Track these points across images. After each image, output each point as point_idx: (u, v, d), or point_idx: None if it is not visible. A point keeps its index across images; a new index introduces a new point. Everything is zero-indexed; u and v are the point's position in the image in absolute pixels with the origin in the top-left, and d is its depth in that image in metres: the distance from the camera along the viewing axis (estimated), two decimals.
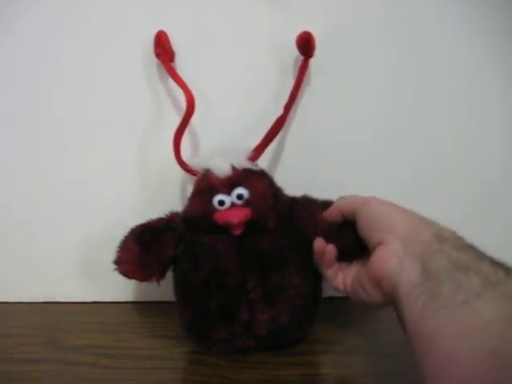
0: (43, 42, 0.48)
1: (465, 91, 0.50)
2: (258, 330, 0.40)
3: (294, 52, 0.46)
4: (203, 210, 0.41)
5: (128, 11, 0.48)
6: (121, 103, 0.49)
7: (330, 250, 0.39)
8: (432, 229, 0.32)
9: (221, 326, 0.40)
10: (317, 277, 0.43)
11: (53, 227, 0.53)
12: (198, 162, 0.45)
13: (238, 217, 0.40)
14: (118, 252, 0.42)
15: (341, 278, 0.40)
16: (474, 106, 0.50)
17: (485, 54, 0.49)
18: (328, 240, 0.40)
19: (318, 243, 0.40)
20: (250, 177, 0.42)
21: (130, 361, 0.42)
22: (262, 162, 0.47)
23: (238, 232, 0.40)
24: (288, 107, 0.45)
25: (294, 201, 0.44)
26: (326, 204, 0.42)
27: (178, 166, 0.46)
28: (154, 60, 0.48)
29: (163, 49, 0.46)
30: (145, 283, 0.43)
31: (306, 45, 0.45)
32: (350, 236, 0.38)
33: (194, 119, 0.45)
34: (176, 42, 0.47)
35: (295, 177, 0.48)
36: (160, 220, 0.44)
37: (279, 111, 0.45)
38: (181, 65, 0.48)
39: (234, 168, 0.42)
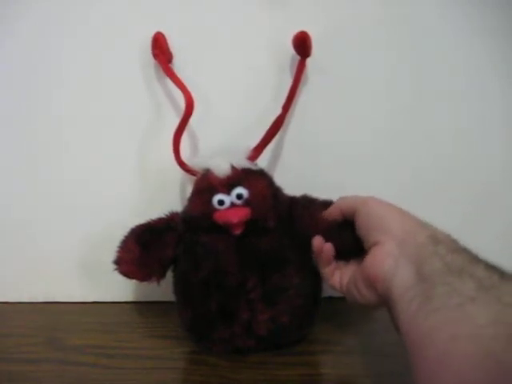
0: (43, 42, 0.48)
1: (465, 91, 0.50)
2: (258, 330, 0.40)
3: (293, 52, 0.46)
4: (203, 209, 0.41)
5: (127, 12, 0.48)
6: (120, 104, 0.50)
7: (328, 248, 0.39)
8: (427, 231, 0.32)
9: (221, 326, 0.40)
10: (317, 277, 0.43)
11: (53, 227, 0.53)
12: (197, 162, 0.45)
13: (238, 216, 0.40)
14: (118, 252, 0.42)
15: (338, 276, 0.40)
16: (474, 106, 0.50)
17: (485, 53, 0.49)
18: (327, 239, 0.40)
19: (317, 241, 0.40)
20: (250, 176, 0.42)
21: (130, 361, 0.42)
22: (261, 162, 0.47)
23: (237, 232, 0.40)
24: (286, 107, 0.46)
25: (293, 200, 0.44)
26: (326, 204, 0.42)
27: (177, 166, 0.46)
28: (153, 60, 0.48)
29: (161, 50, 0.46)
30: (145, 283, 0.43)
31: (302, 45, 0.45)
32: (349, 235, 0.38)
33: (192, 119, 0.45)
34: (175, 43, 0.47)
35: (294, 176, 0.48)
36: (160, 220, 0.44)
37: (278, 111, 0.45)
38: (179, 65, 0.48)
39: (233, 168, 0.42)
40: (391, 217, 0.35)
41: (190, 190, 0.45)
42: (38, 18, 0.48)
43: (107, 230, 0.48)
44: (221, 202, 0.41)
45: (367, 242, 0.36)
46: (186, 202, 0.44)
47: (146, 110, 0.50)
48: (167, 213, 0.44)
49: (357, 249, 0.37)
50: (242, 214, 0.40)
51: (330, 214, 0.41)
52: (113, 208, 0.52)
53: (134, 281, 0.43)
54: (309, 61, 0.46)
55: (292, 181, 0.45)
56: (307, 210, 0.42)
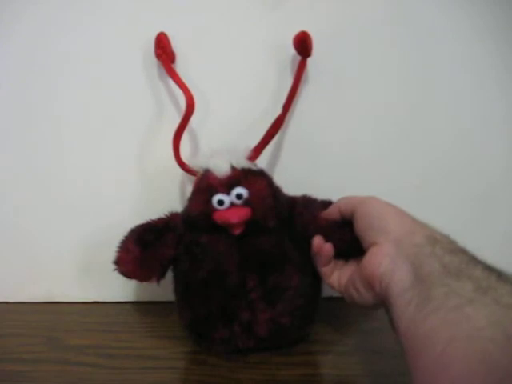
0: (44, 42, 0.48)
1: (465, 91, 0.50)
2: (258, 330, 0.40)
3: (293, 52, 0.46)
4: (203, 209, 0.41)
5: (130, 12, 0.48)
6: (121, 104, 0.50)
7: (328, 248, 0.39)
8: (425, 231, 0.32)
9: (221, 326, 0.40)
10: (316, 277, 0.42)
11: (53, 227, 0.53)
12: (197, 162, 0.45)
13: (238, 216, 0.40)
14: (118, 252, 0.42)
15: (337, 276, 0.40)
16: (475, 106, 0.50)
17: (485, 53, 0.49)
18: (326, 238, 0.40)
19: (317, 240, 0.40)
20: (250, 176, 0.42)
21: (130, 361, 0.42)
22: (261, 162, 0.47)
23: (237, 232, 0.40)
24: (286, 107, 0.46)
25: (293, 200, 0.44)
26: (326, 204, 0.42)
27: (177, 166, 0.46)
28: (155, 61, 0.48)
29: (164, 50, 0.46)
30: (145, 283, 0.43)
31: (302, 44, 0.45)
32: (348, 235, 0.38)
33: (193, 119, 0.45)
34: (177, 43, 0.47)
35: (294, 176, 0.48)
36: (160, 220, 0.44)
37: (278, 111, 0.45)
38: (181, 66, 0.48)
39: (233, 168, 0.42)
40: (389, 217, 0.35)
41: (189, 189, 0.45)
42: (39, 17, 0.48)
43: (107, 230, 0.48)
44: (220, 202, 0.41)
45: (365, 242, 0.36)
46: (185, 202, 0.44)
47: (146, 110, 0.50)
48: (167, 213, 0.44)
49: (355, 248, 0.37)
50: (242, 214, 0.40)
51: (329, 213, 0.41)
52: (113, 208, 0.52)
53: (133, 281, 0.43)
54: (309, 61, 0.46)
55: (292, 181, 0.45)
56: (307, 209, 0.42)
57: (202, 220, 0.41)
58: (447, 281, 0.27)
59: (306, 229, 0.41)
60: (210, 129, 0.50)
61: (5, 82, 0.49)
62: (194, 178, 0.45)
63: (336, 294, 0.40)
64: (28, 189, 0.52)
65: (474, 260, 0.29)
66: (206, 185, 0.42)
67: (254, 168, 0.43)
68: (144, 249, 0.42)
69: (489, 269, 0.28)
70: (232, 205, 0.41)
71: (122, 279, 0.42)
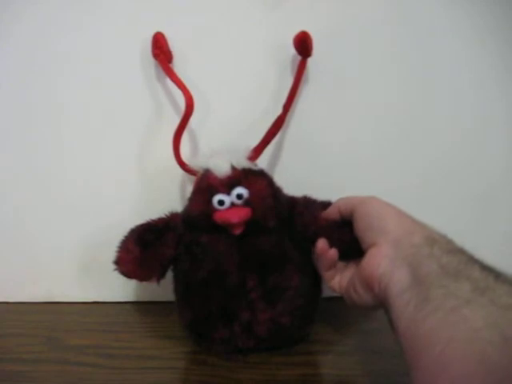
0: (42, 43, 0.48)
1: (465, 91, 0.50)
2: (258, 330, 0.40)
3: (293, 52, 0.46)
4: (203, 209, 0.41)
5: (127, 12, 0.48)
6: (120, 104, 0.49)
7: (333, 253, 0.39)
8: (424, 232, 0.32)
9: (221, 326, 0.40)
10: (316, 277, 0.43)
11: (53, 227, 0.53)
12: (197, 162, 0.45)
13: (238, 216, 0.40)
14: (118, 252, 0.42)
15: (338, 279, 0.40)
16: (475, 106, 0.50)
17: (485, 54, 0.49)
18: (326, 238, 0.40)
19: (321, 243, 0.40)
20: (250, 176, 0.42)
21: (130, 361, 0.42)
22: (261, 162, 0.47)
23: (237, 232, 0.40)
24: (287, 107, 0.45)
25: (293, 200, 0.44)
26: (325, 204, 0.42)
27: (177, 166, 0.46)
28: (154, 60, 0.48)
29: (161, 50, 0.46)
30: (145, 283, 0.43)
31: (303, 44, 0.45)
32: (348, 236, 0.38)
33: (192, 119, 0.45)
34: (175, 43, 0.47)
35: (294, 177, 0.48)
36: (160, 220, 0.44)
37: (278, 111, 0.45)
38: (179, 65, 0.48)
39: (233, 168, 0.42)
40: (388, 217, 0.35)
41: (190, 189, 0.45)
42: (39, 17, 0.48)
43: (107, 230, 0.48)
44: (221, 202, 0.41)
45: (364, 243, 0.36)
46: (186, 202, 0.44)
47: (146, 110, 0.50)
48: (167, 213, 0.44)
49: (355, 249, 0.37)
50: (242, 214, 0.40)
51: (329, 214, 0.41)
52: (113, 208, 0.52)
53: (134, 281, 0.43)
54: (309, 61, 0.46)
55: (292, 181, 0.45)
56: (307, 209, 0.42)
57: (202, 220, 0.41)
58: (445, 282, 0.28)
59: (306, 229, 0.41)
60: (209, 129, 0.50)
61: (5, 82, 0.49)
62: (194, 178, 0.45)
63: (336, 294, 0.40)
64: (28, 189, 0.52)
65: (472, 260, 0.29)
66: (206, 185, 0.42)
67: (254, 168, 0.43)
68: (144, 249, 0.42)
69: (487, 269, 0.28)
70: (232, 205, 0.41)
71: (121, 279, 0.42)
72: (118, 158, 0.51)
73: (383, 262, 0.32)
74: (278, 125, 0.45)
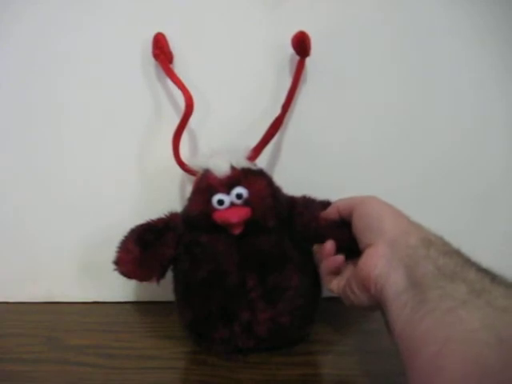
0: (43, 42, 0.48)
1: (465, 91, 0.50)
2: (258, 330, 0.40)
3: (292, 52, 0.46)
4: (202, 209, 0.41)
5: (129, 12, 0.48)
6: (120, 104, 0.50)
7: (339, 259, 0.39)
8: (420, 233, 0.32)
9: (221, 326, 0.40)
10: (316, 277, 0.43)
11: (53, 227, 0.53)
12: (197, 162, 0.45)
13: (238, 216, 0.40)
14: (118, 252, 0.42)
15: (336, 280, 0.40)
16: (475, 106, 0.50)
17: (485, 54, 0.49)
18: (326, 238, 0.40)
19: (329, 246, 0.39)
20: (250, 176, 0.42)
21: (130, 361, 0.42)
22: (261, 162, 0.47)
23: (237, 232, 0.40)
24: (286, 107, 0.45)
25: (293, 200, 0.44)
26: (325, 204, 0.42)
27: (177, 166, 0.46)
28: (154, 61, 0.48)
29: (162, 50, 0.46)
30: (145, 283, 0.43)
31: (301, 44, 0.45)
32: (346, 236, 0.38)
33: (192, 120, 0.45)
34: (175, 43, 0.47)
35: (293, 177, 0.48)
36: (160, 220, 0.44)
37: (277, 111, 0.45)
38: (179, 66, 0.48)
39: (233, 167, 0.42)
40: (385, 218, 0.35)
41: (189, 190, 0.45)
42: (39, 17, 0.48)
43: (107, 230, 0.48)
44: (220, 202, 0.41)
45: (362, 243, 0.36)
46: (185, 202, 0.44)
47: (146, 111, 0.50)
48: (167, 213, 0.44)
49: (354, 249, 0.37)
50: (242, 213, 0.40)
51: (328, 214, 0.41)
52: (113, 208, 0.52)
53: (134, 281, 0.43)
54: (308, 61, 0.46)
55: (291, 181, 0.45)
56: (307, 209, 0.42)
57: (202, 220, 0.41)
58: (441, 283, 0.28)
59: (305, 229, 0.41)
60: (209, 129, 0.50)
61: (5, 82, 0.49)
62: (193, 178, 0.45)
63: (336, 295, 0.40)
64: (28, 189, 0.52)
65: (468, 262, 0.29)
66: (205, 185, 0.42)
67: (253, 168, 0.43)
68: (144, 249, 0.42)
69: (483, 271, 0.28)
70: (232, 205, 0.41)
71: (122, 279, 0.42)
72: (118, 158, 0.51)
73: (380, 262, 0.32)
74: (276, 125, 0.45)
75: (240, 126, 0.49)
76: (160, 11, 0.47)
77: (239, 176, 0.42)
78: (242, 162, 0.43)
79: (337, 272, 0.40)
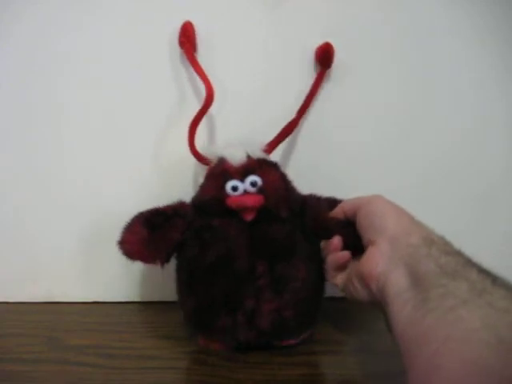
0: (44, 42, 0.48)
1: (466, 92, 0.50)
2: (260, 322, 0.39)
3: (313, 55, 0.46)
4: (215, 194, 0.41)
5: (129, 12, 0.48)
6: (120, 104, 0.49)
7: (345, 255, 0.39)
8: (422, 232, 0.32)
9: (223, 315, 0.40)
10: (322, 274, 0.42)
11: (53, 227, 0.53)
12: (212, 150, 0.45)
13: (253, 200, 0.40)
14: (124, 233, 0.41)
15: (341, 275, 0.40)
16: (475, 106, 0.50)
17: (485, 54, 0.49)
18: (333, 235, 0.40)
19: (336, 241, 0.40)
20: (264, 166, 0.42)
21: (131, 361, 0.42)
22: (274, 159, 0.46)
23: (249, 217, 0.40)
24: (301, 112, 0.46)
25: (305, 198, 0.44)
26: (331, 201, 0.42)
27: (188, 163, 0.46)
28: (156, 60, 0.47)
29: (188, 39, 0.46)
30: (145, 283, 0.43)
31: (325, 55, 0.46)
32: (351, 235, 0.38)
33: (211, 111, 0.45)
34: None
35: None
36: (169, 207, 0.43)
37: (295, 110, 0.46)
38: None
39: (248, 157, 0.42)
40: (388, 216, 0.35)
41: (193, 190, 0.45)
42: (39, 17, 0.48)
43: (107, 230, 0.47)
44: (234, 188, 0.41)
45: (365, 241, 0.36)
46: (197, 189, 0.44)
47: (146, 111, 0.50)
48: (175, 202, 0.44)
49: (359, 247, 0.37)
50: (257, 199, 0.40)
51: (334, 215, 0.41)
52: (113, 208, 0.51)
53: (134, 281, 0.43)
54: (308, 60, 0.46)
55: (304, 178, 0.45)
56: (317, 205, 0.42)
57: (214, 205, 0.41)
58: (444, 281, 0.28)
59: (315, 223, 0.42)
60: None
61: (5, 82, 0.49)
62: (203, 174, 0.45)
63: (338, 294, 0.40)
64: (28, 189, 0.52)
65: (469, 263, 0.29)
66: (220, 170, 0.42)
67: (269, 159, 0.43)
68: (152, 230, 0.41)
69: (484, 272, 0.28)
70: (245, 192, 0.41)
71: (122, 279, 0.42)
72: (118, 158, 0.51)
73: (381, 260, 0.32)
74: (291, 127, 0.47)
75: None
76: (160, 11, 0.47)
77: (254, 165, 0.42)
78: (258, 153, 0.43)
79: (342, 268, 0.40)
